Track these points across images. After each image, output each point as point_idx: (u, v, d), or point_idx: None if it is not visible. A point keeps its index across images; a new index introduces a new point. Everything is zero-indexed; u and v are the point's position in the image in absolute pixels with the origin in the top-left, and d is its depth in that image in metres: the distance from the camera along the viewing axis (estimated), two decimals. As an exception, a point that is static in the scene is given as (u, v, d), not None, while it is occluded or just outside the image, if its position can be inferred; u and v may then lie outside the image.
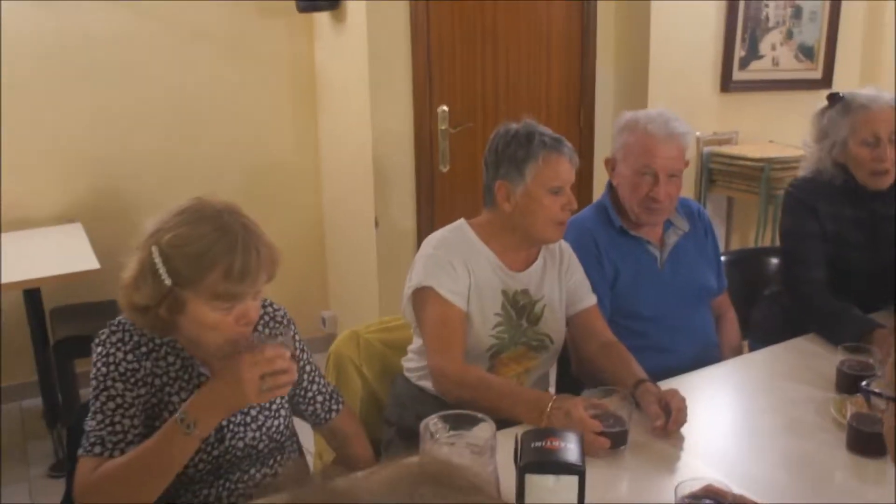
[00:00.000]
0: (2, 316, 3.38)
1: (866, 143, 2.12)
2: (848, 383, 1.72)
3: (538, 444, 1.24)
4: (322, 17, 3.67)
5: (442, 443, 1.20)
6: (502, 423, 1.55)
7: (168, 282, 1.37)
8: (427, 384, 1.87)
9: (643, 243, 2.16)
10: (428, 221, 3.56)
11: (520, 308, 1.91)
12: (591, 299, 2.01)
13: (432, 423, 1.22)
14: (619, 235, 2.14)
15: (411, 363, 1.95)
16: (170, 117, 3.65)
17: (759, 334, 2.39)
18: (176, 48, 3.60)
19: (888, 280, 2.15)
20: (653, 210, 2.08)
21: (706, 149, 4.01)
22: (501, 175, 1.86)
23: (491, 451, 1.18)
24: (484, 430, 1.20)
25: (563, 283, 1.99)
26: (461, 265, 1.84)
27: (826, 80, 4.24)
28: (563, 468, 1.20)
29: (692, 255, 2.21)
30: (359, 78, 3.41)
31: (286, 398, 1.64)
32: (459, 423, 1.22)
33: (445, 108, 3.52)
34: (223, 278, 1.35)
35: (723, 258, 2.65)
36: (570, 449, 1.23)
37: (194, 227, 1.37)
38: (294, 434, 1.71)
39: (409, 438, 1.67)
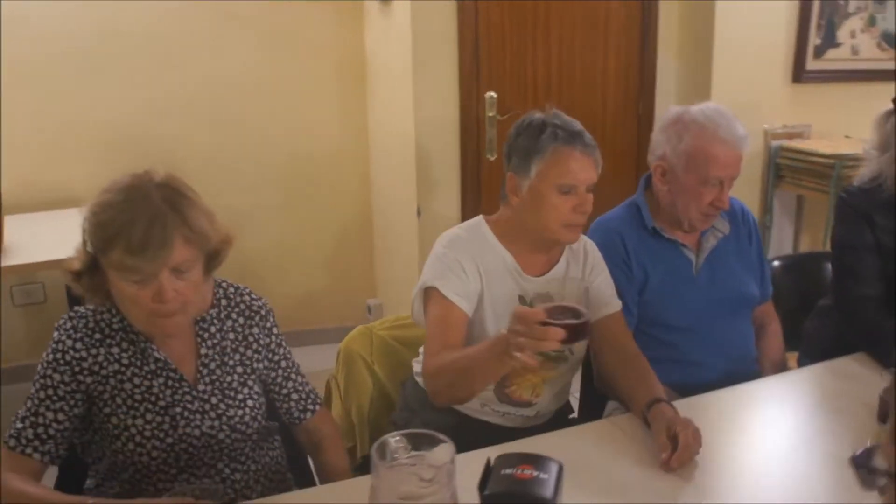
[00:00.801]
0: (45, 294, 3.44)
1: None
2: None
3: (509, 471, 1.11)
4: (372, 3, 3.58)
5: (400, 464, 1.09)
6: (476, 444, 1.43)
7: (90, 248, 1.35)
8: None
9: (678, 246, 1.99)
10: (472, 211, 3.42)
11: None
12: (615, 305, 1.85)
13: (394, 441, 1.11)
14: (650, 237, 1.98)
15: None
16: (218, 103, 3.64)
17: (811, 349, 2.18)
18: (224, 34, 3.58)
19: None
20: (711, 216, 1.94)
21: (774, 143, 3.75)
22: (512, 166, 1.72)
23: (448, 475, 1.06)
24: (442, 452, 1.08)
25: (586, 286, 1.84)
26: (472, 267, 1.71)
27: (913, 71, 3.91)
28: (531, 500, 1.07)
29: (732, 259, 2.03)
30: (403, 62, 3.30)
31: (257, 388, 1.55)
32: (419, 442, 1.10)
33: (493, 94, 3.37)
34: (124, 251, 1.29)
35: (776, 262, 2.46)
36: (543, 480, 1.09)
37: (115, 195, 1.34)
38: (274, 430, 1.63)
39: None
